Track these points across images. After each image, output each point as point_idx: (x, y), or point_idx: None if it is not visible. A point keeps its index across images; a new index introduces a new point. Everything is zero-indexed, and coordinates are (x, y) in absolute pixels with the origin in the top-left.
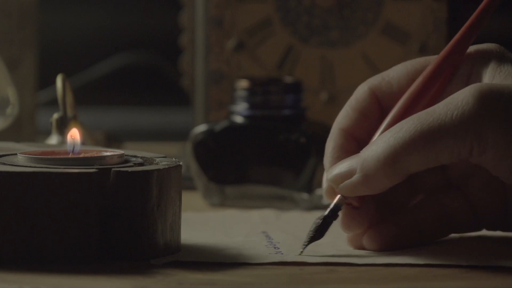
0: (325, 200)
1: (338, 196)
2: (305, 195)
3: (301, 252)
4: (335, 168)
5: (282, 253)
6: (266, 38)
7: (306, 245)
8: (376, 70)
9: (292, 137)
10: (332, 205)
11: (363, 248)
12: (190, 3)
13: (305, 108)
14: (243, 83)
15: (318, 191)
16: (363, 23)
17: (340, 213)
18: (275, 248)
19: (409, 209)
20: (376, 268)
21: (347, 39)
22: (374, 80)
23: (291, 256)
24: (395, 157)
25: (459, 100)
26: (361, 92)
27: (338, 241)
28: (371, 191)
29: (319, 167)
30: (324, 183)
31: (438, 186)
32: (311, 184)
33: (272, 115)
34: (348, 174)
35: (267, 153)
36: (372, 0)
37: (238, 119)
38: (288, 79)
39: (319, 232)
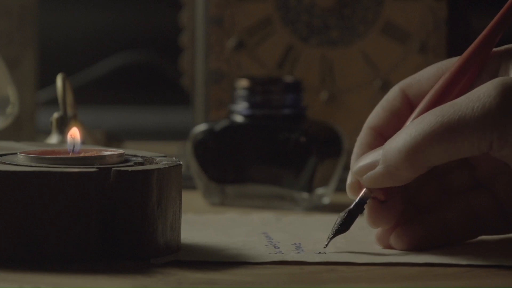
0: (325, 200)
1: (364, 190)
2: (305, 195)
3: (326, 245)
4: (360, 161)
5: (282, 253)
6: (266, 37)
7: (331, 238)
8: (376, 70)
9: (292, 137)
10: (357, 199)
11: (391, 247)
12: (190, 2)
13: (305, 108)
14: (243, 83)
15: (318, 191)
16: (363, 23)
17: (366, 208)
18: (275, 247)
19: (436, 209)
20: (376, 268)
21: (347, 39)
22: (405, 81)
23: (291, 255)
24: (416, 148)
25: (481, 93)
26: (392, 92)
27: (338, 239)
28: (394, 183)
29: (319, 166)
30: (348, 179)
31: (467, 186)
32: (311, 184)
33: (272, 115)
34: (372, 165)
35: (267, 153)
36: None
37: (238, 119)
38: (288, 78)
39: (344, 225)
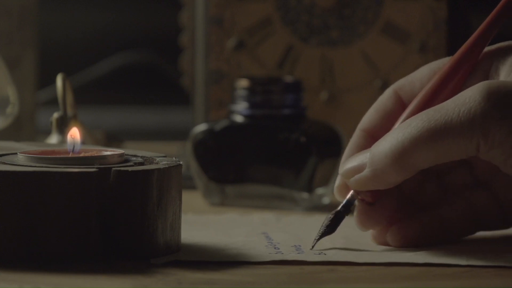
0: (325, 200)
1: (351, 191)
2: (305, 195)
3: (312, 246)
4: (347, 163)
5: (282, 253)
6: (266, 37)
7: (318, 240)
8: (376, 70)
9: (292, 137)
10: (344, 201)
11: (387, 244)
12: (190, 2)
13: (305, 108)
14: (243, 83)
15: (318, 191)
16: (363, 23)
17: (355, 210)
18: (275, 248)
19: (435, 207)
20: (376, 268)
21: (347, 39)
22: (398, 82)
23: (291, 255)
24: (402, 152)
25: (466, 97)
26: (385, 94)
27: (338, 239)
28: (381, 186)
29: (319, 166)
30: (337, 180)
31: (466, 185)
32: (311, 184)
33: (272, 115)
34: (359, 168)
35: (267, 153)
36: None
37: (238, 119)
38: (288, 78)
39: (330, 227)
